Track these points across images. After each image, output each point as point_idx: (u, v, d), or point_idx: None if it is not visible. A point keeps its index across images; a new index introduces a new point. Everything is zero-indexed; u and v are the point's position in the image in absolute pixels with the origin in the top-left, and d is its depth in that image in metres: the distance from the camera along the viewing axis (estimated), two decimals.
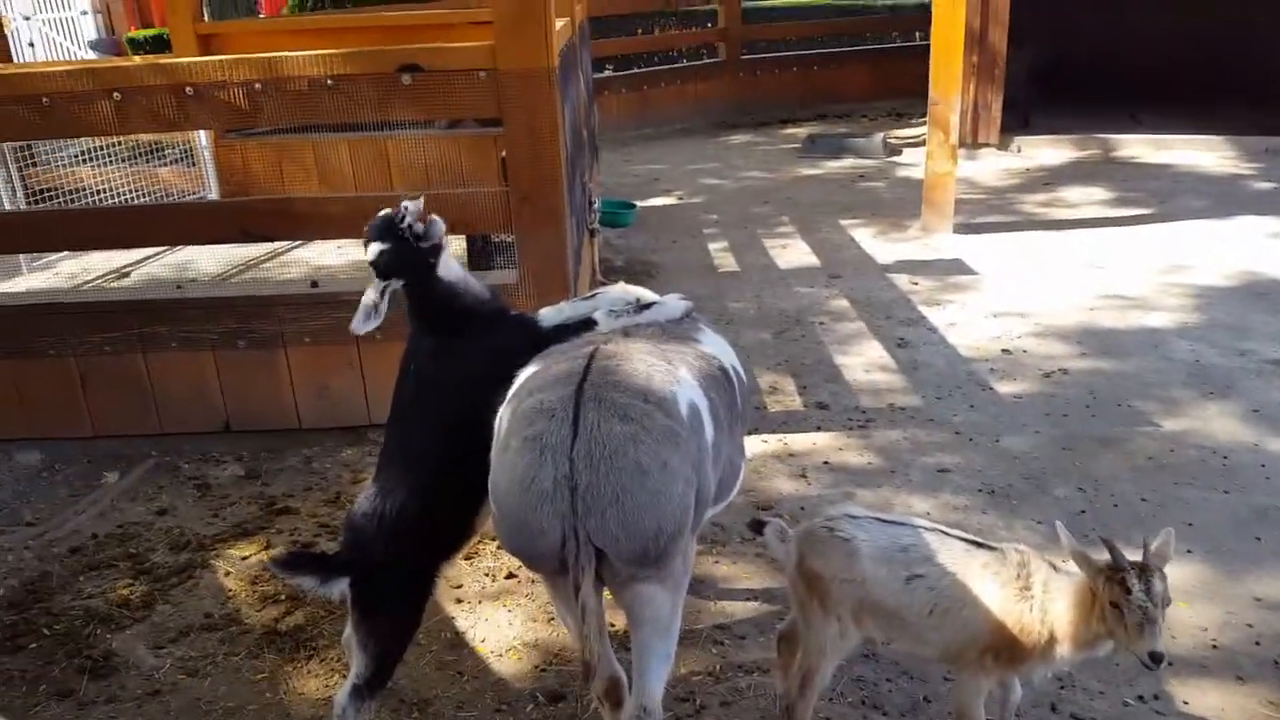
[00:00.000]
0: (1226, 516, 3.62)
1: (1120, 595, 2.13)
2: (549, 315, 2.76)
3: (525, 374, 2.36)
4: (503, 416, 2.27)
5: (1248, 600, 3.16)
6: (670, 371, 2.25)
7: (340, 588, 2.47)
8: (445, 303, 2.66)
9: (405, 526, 2.49)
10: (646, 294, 2.87)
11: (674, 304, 2.75)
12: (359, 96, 3.78)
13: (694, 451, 2.14)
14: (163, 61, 4.24)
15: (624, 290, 2.87)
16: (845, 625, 2.38)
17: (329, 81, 3.74)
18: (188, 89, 3.83)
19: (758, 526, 2.56)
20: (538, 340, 2.59)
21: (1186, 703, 2.75)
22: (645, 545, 2.03)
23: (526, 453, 2.04)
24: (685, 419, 2.14)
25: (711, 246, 7.42)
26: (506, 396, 2.33)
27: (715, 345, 2.66)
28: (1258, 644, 2.97)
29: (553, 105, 3.71)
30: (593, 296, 2.83)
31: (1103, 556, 2.21)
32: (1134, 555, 2.24)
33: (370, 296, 2.62)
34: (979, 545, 2.40)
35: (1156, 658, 2.14)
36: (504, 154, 3.97)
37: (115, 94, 3.90)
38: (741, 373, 2.70)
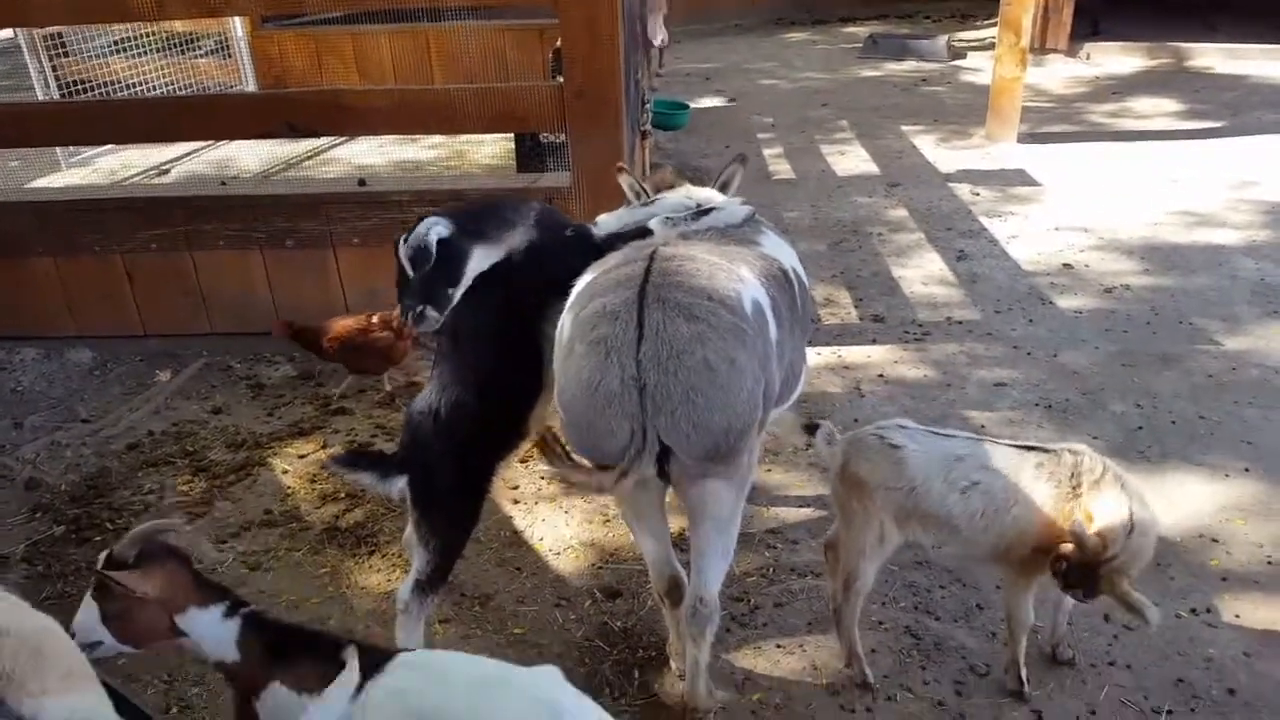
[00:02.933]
0: None
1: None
2: (607, 222, 2.68)
3: (583, 281, 2.32)
4: (564, 323, 2.24)
5: None
6: (732, 271, 2.20)
7: (399, 485, 2.49)
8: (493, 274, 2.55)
9: (461, 422, 2.48)
10: (710, 195, 2.76)
11: (734, 209, 2.65)
12: None
13: (760, 348, 2.11)
14: None
15: (687, 194, 2.76)
16: (885, 530, 2.38)
17: None
18: None
19: (811, 428, 2.53)
20: (590, 249, 2.53)
21: (1238, 616, 2.74)
22: (716, 441, 2.03)
23: (592, 356, 2.04)
24: (750, 316, 2.12)
25: (766, 152, 7.19)
26: (566, 305, 2.30)
27: (775, 247, 2.59)
28: None
29: None
30: (653, 201, 2.73)
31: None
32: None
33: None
34: (1031, 449, 2.39)
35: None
36: (556, 46, 3.79)
37: None
38: (803, 274, 2.63)
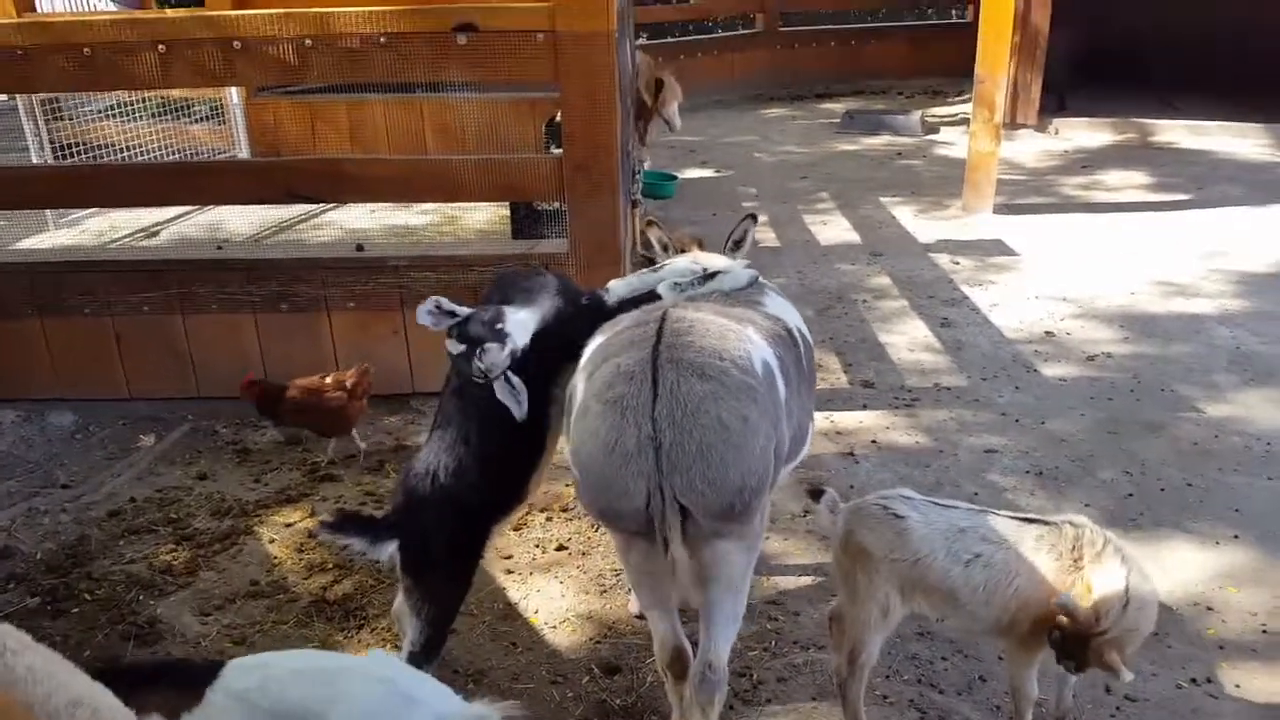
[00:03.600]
0: (1272, 503, 3.59)
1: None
2: (618, 288, 2.73)
3: (594, 343, 2.35)
4: (576, 385, 2.26)
5: None
6: (741, 332, 2.25)
7: (389, 550, 2.44)
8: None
9: (462, 486, 2.46)
10: (714, 260, 2.82)
11: (740, 272, 2.70)
12: (412, 55, 3.70)
13: (771, 407, 2.15)
14: (211, 14, 4.15)
15: (694, 259, 2.82)
16: (890, 601, 2.37)
17: (382, 39, 3.67)
18: (235, 43, 3.76)
19: (815, 494, 2.55)
20: (603, 316, 2.55)
21: (1238, 685, 2.74)
22: (731, 499, 2.04)
23: (609, 415, 2.06)
24: (760, 376, 2.15)
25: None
26: (578, 367, 2.33)
27: (780, 308, 2.65)
28: None
29: (611, 70, 3.62)
30: (662, 267, 2.79)
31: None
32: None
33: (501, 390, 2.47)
34: (1032, 520, 2.42)
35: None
36: (550, 118, 3.89)
37: (160, 46, 3.83)
38: (808, 335, 2.68)
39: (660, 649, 2.38)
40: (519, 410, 2.40)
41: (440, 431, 2.57)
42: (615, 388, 2.08)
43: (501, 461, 2.53)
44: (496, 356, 2.35)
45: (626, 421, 2.03)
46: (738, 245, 3.01)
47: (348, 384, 3.86)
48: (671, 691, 2.44)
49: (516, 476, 2.60)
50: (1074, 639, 2.19)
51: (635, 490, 2.03)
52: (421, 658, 2.48)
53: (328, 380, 3.88)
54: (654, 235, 3.04)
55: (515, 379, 2.42)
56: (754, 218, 3.06)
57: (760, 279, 2.78)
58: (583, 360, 2.34)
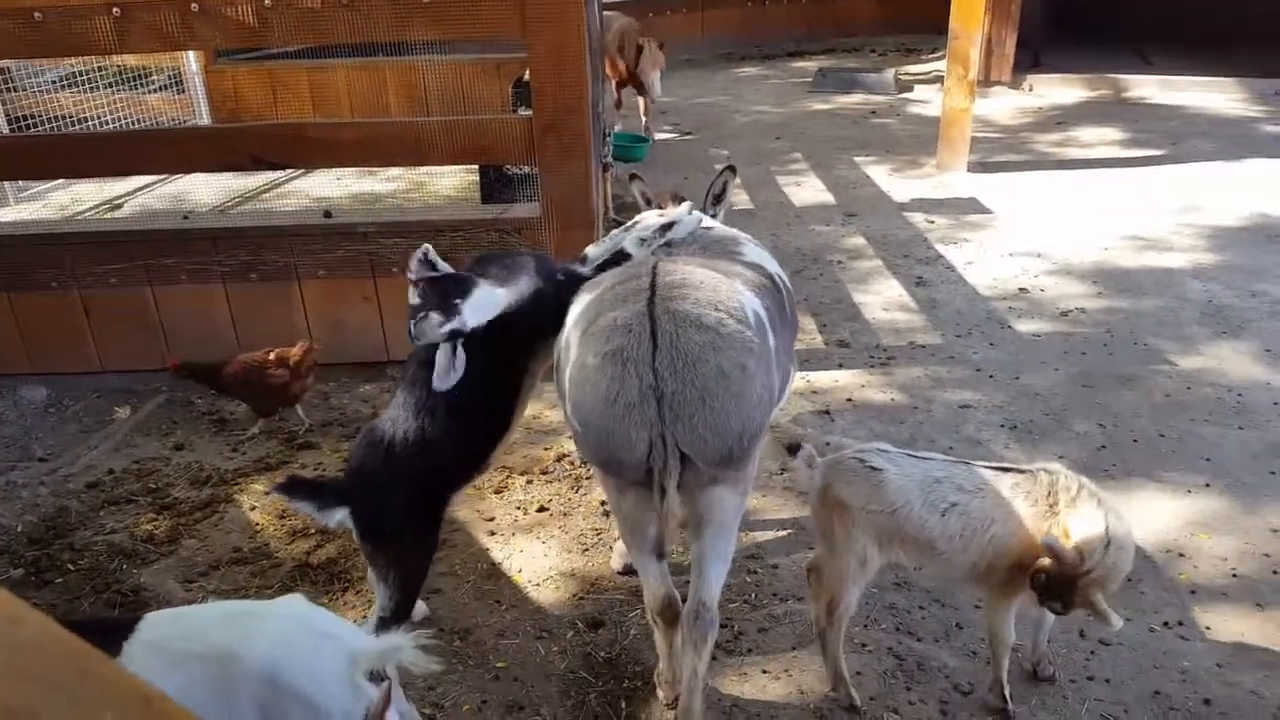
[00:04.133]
0: (1242, 452, 3.66)
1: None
2: (595, 253, 2.73)
3: (581, 301, 2.37)
4: (570, 340, 2.29)
5: (1265, 531, 3.21)
6: (730, 282, 2.28)
7: (337, 517, 2.39)
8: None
9: (418, 458, 2.42)
10: (671, 213, 2.80)
11: (688, 218, 2.72)
12: (375, 16, 3.62)
13: (765, 356, 2.19)
14: None
15: (659, 213, 2.82)
16: (867, 552, 2.40)
17: None
18: (193, 5, 3.66)
19: (793, 449, 2.57)
20: (577, 287, 2.53)
21: (1209, 628, 2.81)
22: (730, 446, 2.10)
23: (609, 367, 2.09)
24: (754, 326, 2.19)
25: None
26: (568, 323, 2.34)
27: (758, 255, 2.67)
28: (1275, 573, 3.02)
29: (580, 25, 3.56)
30: (633, 225, 2.77)
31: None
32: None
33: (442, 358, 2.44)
34: (1007, 469, 2.46)
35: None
36: (516, 79, 3.82)
37: (115, 9, 3.71)
38: (786, 281, 2.70)
39: (651, 597, 2.40)
40: (439, 382, 2.37)
41: (404, 397, 2.52)
42: (613, 340, 2.11)
43: (465, 433, 2.50)
44: (430, 329, 2.32)
45: (628, 373, 2.06)
46: (718, 199, 3.04)
47: (290, 361, 3.81)
48: (660, 639, 2.47)
49: (479, 448, 2.57)
50: (1060, 580, 2.23)
51: (638, 439, 2.06)
52: (391, 622, 2.46)
53: (271, 356, 3.81)
54: (637, 188, 3.05)
55: (460, 354, 2.38)
56: (733, 169, 3.08)
57: (737, 233, 2.78)
58: (571, 318, 2.35)
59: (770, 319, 2.31)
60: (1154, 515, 3.30)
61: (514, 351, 2.55)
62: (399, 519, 2.44)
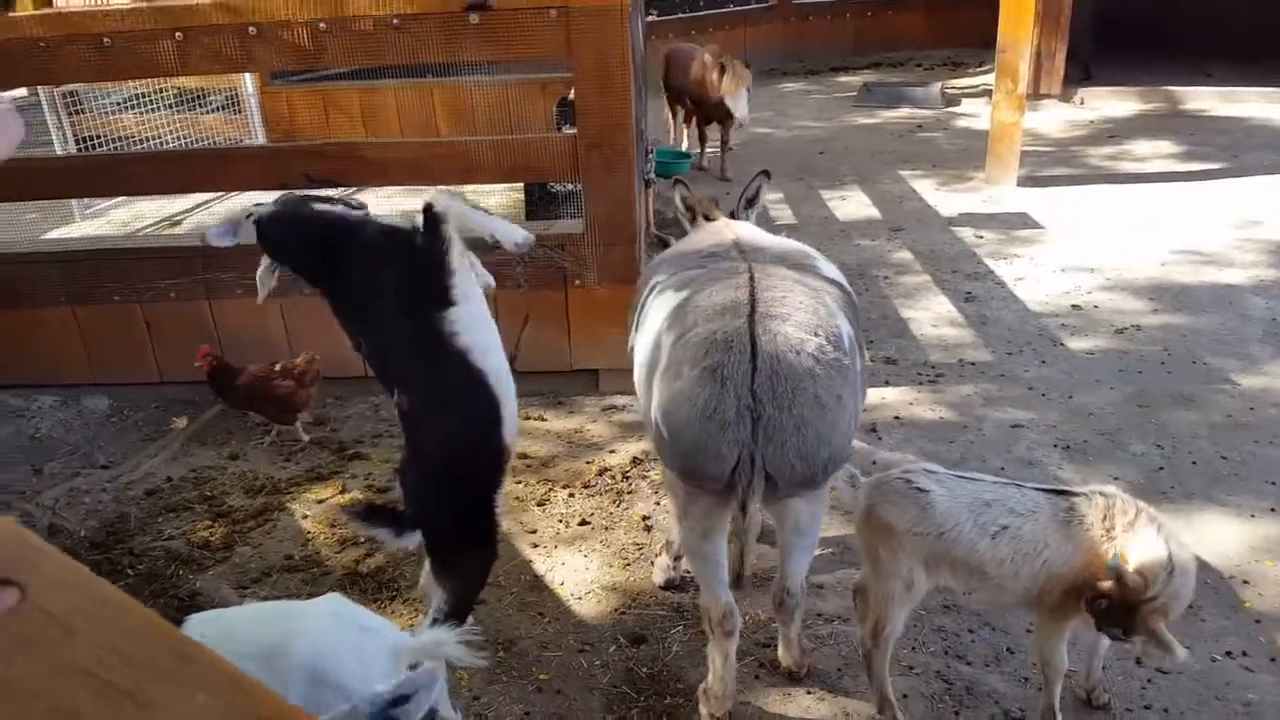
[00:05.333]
0: None
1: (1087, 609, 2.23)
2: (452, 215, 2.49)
3: (668, 295, 2.37)
4: (662, 343, 2.30)
5: None
6: (827, 304, 2.30)
7: (416, 540, 2.45)
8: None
9: (446, 462, 2.45)
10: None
11: (515, 231, 2.61)
12: (425, 36, 3.69)
13: (856, 381, 2.23)
14: (226, 0, 4.16)
15: (723, 224, 2.87)
16: (914, 575, 2.36)
17: (394, 21, 3.66)
18: (251, 28, 3.77)
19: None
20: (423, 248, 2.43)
21: (1274, 660, 2.70)
22: (816, 472, 2.16)
23: (707, 383, 2.12)
24: (848, 350, 2.21)
25: (768, 198, 7.27)
26: (661, 321, 2.34)
27: (830, 269, 2.67)
28: None
29: (624, 45, 3.59)
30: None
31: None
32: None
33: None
34: (1060, 492, 2.39)
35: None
36: (561, 97, 3.87)
37: (177, 33, 3.85)
38: (854, 297, 2.71)
39: (712, 605, 2.40)
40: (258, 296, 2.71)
41: (411, 423, 2.52)
42: (713, 356, 2.13)
43: (460, 425, 2.45)
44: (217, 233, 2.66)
45: (726, 391, 2.09)
46: (750, 203, 3.04)
47: (295, 372, 3.93)
48: (715, 649, 2.45)
49: (482, 431, 2.47)
50: (1121, 606, 2.16)
51: (728, 456, 2.10)
52: (448, 622, 2.47)
53: (276, 367, 3.94)
54: (679, 195, 3.05)
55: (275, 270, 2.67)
56: (767, 174, 3.08)
57: (806, 247, 2.78)
58: (658, 313, 2.37)
59: (854, 340, 2.33)
60: (1215, 540, 3.19)
61: (433, 331, 2.40)
62: (457, 528, 2.50)
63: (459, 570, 2.53)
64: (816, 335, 2.15)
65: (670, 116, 8.26)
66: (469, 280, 2.49)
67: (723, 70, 6.70)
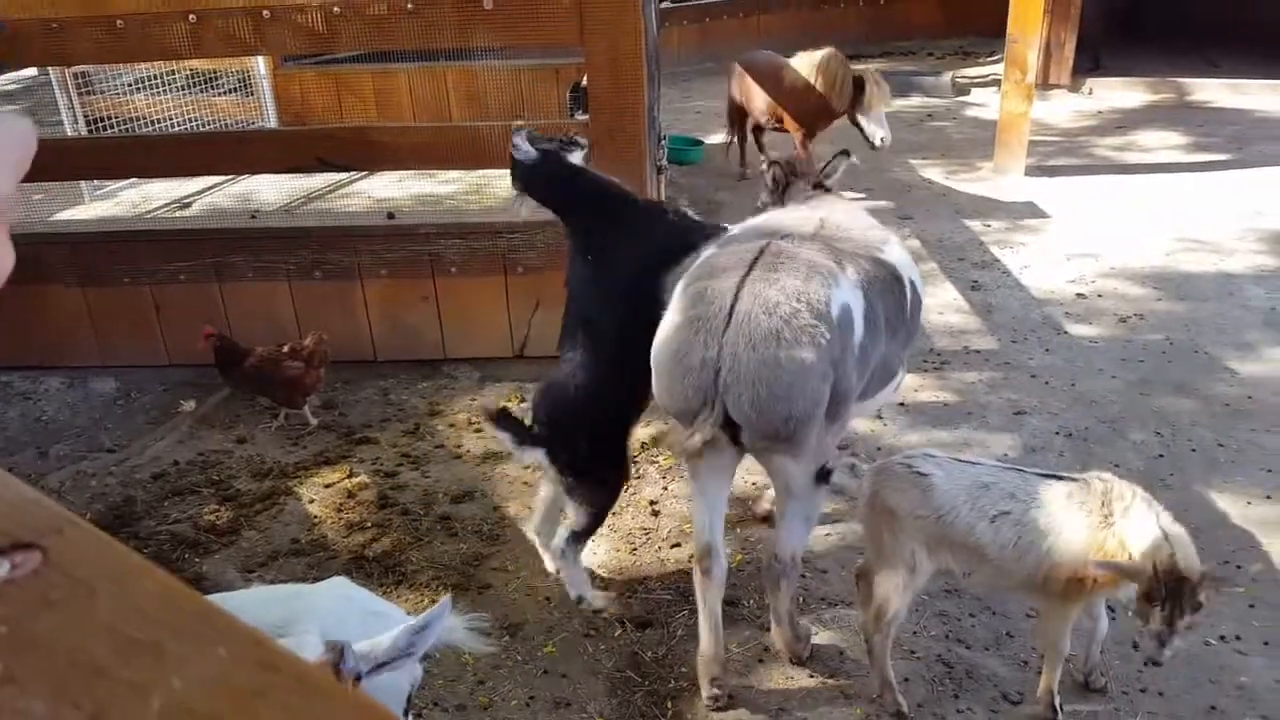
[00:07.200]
0: None
1: (1145, 605, 2.20)
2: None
3: (703, 252, 2.61)
4: (677, 287, 2.49)
5: None
6: (832, 272, 2.38)
7: (533, 456, 2.79)
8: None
9: (596, 395, 2.75)
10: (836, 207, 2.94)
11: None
12: (439, 21, 3.71)
13: (835, 349, 2.29)
14: None
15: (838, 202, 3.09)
16: (917, 559, 2.40)
17: (409, 6, 3.67)
18: (265, 12, 3.79)
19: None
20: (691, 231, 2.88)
21: (1267, 643, 2.75)
22: (775, 425, 2.28)
23: (686, 329, 2.33)
24: (834, 319, 2.29)
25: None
26: (685, 270, 2.57)
27: (898, 256, 2.74)
28: None
29: (637, 32, 3.61)
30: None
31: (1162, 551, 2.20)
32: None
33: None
34: (1059, 478, 2.42)
35: (1153, 661, 2.24)
36: (574, 83, 3.88)
37: (191, 16, 3.87)
38: (919, 285, 2.79)
39: (696, 539, 2.59)
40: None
41: (569, 351, 2.86)
42: (698, 306, 2.33)
43: (630, 369, 2.68)
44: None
45: (698, 339, 2.29)
46: (829, 178, 3.17)
47: (305, 353, 3.94)
48: (697, 587, 2.58)
49: (642, 378, 2.71)
50: (1174, 593, 2.17)
51: (694, 398, 2.30)
52: (582, 535, 2.88)
53: (285, 349, 3.95)
54: (769, 170, 3.17)
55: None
56: (847, 153, 3.20)
57: (889, 233, 2.86)
58: (692, 268, 2.55)
59: (867, 315, 2.42)
60: (1212, 526, 3.23)
61: (653, 290, 2.74)
62: (591, 459, 2.77)
63: (592, 489, 2.81)
64: (797, 301, 2.27)
65: (736, 139, 7.21)
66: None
67: (859, 87, 5.86)
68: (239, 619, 0.49)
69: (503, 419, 2.80)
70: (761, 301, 2.27)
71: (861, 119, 5.94)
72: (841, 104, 5.98)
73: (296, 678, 0.46)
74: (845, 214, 2.87)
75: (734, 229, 2.78)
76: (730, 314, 2.27)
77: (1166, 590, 2.15)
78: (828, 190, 3.09)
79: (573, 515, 2.86)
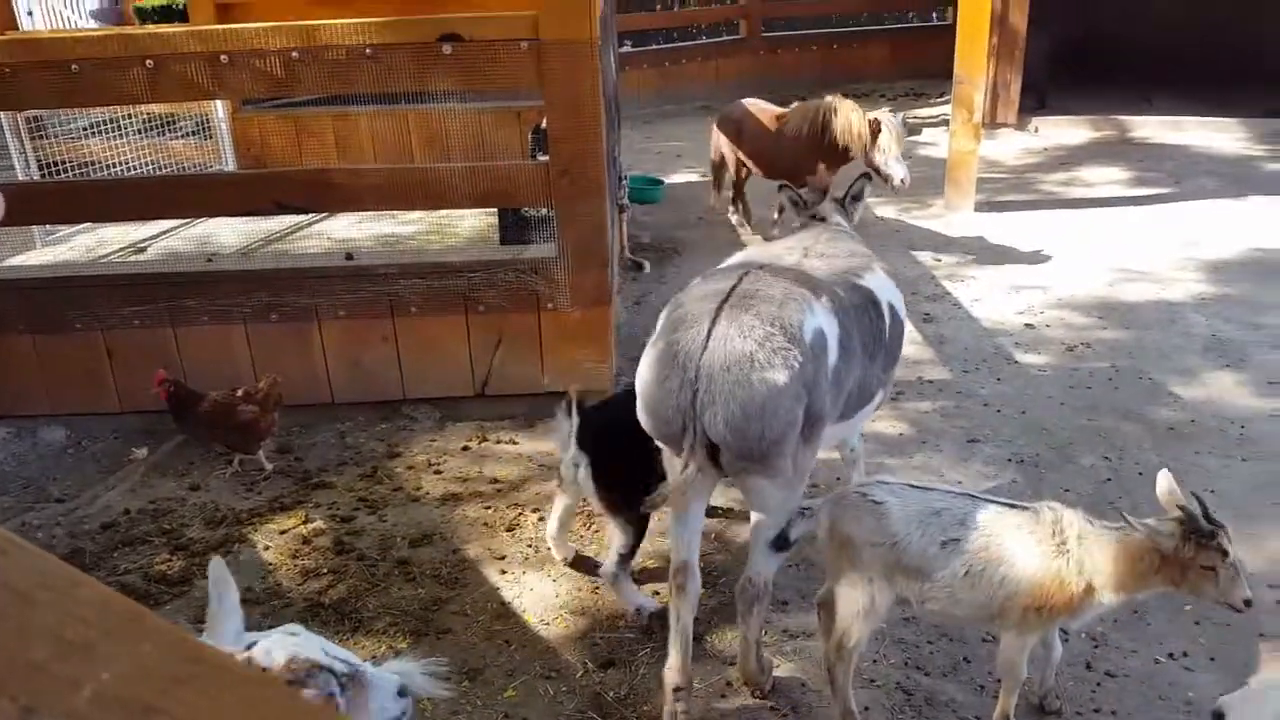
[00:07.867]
0: (1246, 483, 3.69)
1: (1217, 559, 2.25)
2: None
3: (692, 283, 2.74)
4: (662, 314, 2.64)
5: (1269, 561, 3.22)
6: (807, 298, 2.49)
7: (581, 470, 2.94)
8: None
9: (622, 418, 2.73)
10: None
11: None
12: (398, 67, 3.76)
13: (809, 372, 2.37)
14: (199, 29, 4.20)
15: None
16: (876, 587, 2.43)
17: (368, 51, 3.72)
18: (223, 56, 3.81)
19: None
20: None
21: (1213, 659, 2.82)
22: (750, 445, 2.37)
23: (666, 354, 2.44)
24: (808, 343, 2.38)
25: (737, 223, 7.42)
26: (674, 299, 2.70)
27: (877, 282, 2.86)
28: (1279, 603, 3.03)
29: (594, 76, 3.69)
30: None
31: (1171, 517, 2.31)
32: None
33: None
34: (1011, 507, 2.46)
35: (1249, 602, 2.28)
36: (535, 125, 3.95)
37: (148, 61, 3.87)
38: (900, 310, 2.91)
39: (673, 557, 2.64)
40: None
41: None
42: (678, 331, 2.45)
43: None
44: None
45: (676, 363, 2.39)
46: (855, 199, 3.44)
47: (258, 396, 3.91)
48: (671, 606, 2.61)
49: None
50: (1185, 564, 2.27)
51: (674, 420, 2.40)
52: (629, 555, 3.03)
53: (238, 393, 3.92)
54: (785, 195, 3.37)
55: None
56: (868, 175, 3.39)
57: (871, 260, 3.03)
58: (675, 297, 2.67)
59: (842, 339, 2.52)
60: None
61: None
62: (625, 477, 2.84)
63: (628, 508, 2.90)
64: (771, 325, 2.37)
65: (716, 191, 7.30)
66: None
67: (875, 131, 5.91)
68: (167, 622, 0.55)
69: (578, 409, 2.94)
70: (737, 326, 2.38)
71: (882, 164, 5.94)
72: (861, 147, 6.02)
73: (219, 667, 0.52)
74: (829, 243, 3.02)
75: (726, 261, 2.90)
76: (708, 338, 2.37)
77: (1210, 522, 2.25)
78: (822, 220, 3.29)
79: (618, 537, 2.99)
